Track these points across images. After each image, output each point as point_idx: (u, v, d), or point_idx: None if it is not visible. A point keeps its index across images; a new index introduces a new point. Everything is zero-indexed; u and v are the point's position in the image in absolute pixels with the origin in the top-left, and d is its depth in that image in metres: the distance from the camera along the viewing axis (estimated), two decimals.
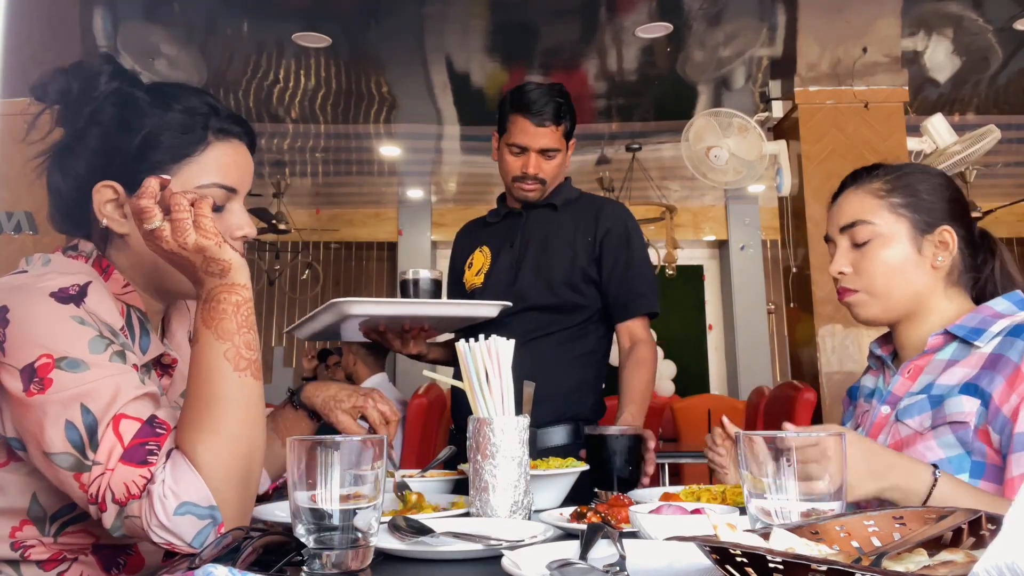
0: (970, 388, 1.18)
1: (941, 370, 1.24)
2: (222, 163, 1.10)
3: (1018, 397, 1.12)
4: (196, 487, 0.92)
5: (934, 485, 1.06)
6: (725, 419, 1.44)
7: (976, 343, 1.22)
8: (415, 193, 7.66)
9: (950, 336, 1.26)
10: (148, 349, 1.10)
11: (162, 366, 1.15)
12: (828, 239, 1.37)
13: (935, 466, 1.09)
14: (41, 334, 0.95)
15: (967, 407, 1.17)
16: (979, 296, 1.33)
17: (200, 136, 1.09)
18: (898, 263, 1.28)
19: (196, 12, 3.82)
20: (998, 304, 1.26)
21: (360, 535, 0.83)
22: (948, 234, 1.28)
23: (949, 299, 1.30)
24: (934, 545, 0.67)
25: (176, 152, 1.08)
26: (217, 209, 1.08)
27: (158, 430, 0.95)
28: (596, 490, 1.45)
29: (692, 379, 8.13)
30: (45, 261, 1.09)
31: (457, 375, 1.58)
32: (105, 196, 1.07)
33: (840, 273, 1.32)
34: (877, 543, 0.70)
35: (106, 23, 3.90)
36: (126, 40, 4.06)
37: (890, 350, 1.38)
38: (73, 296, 1.00)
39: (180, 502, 0.91)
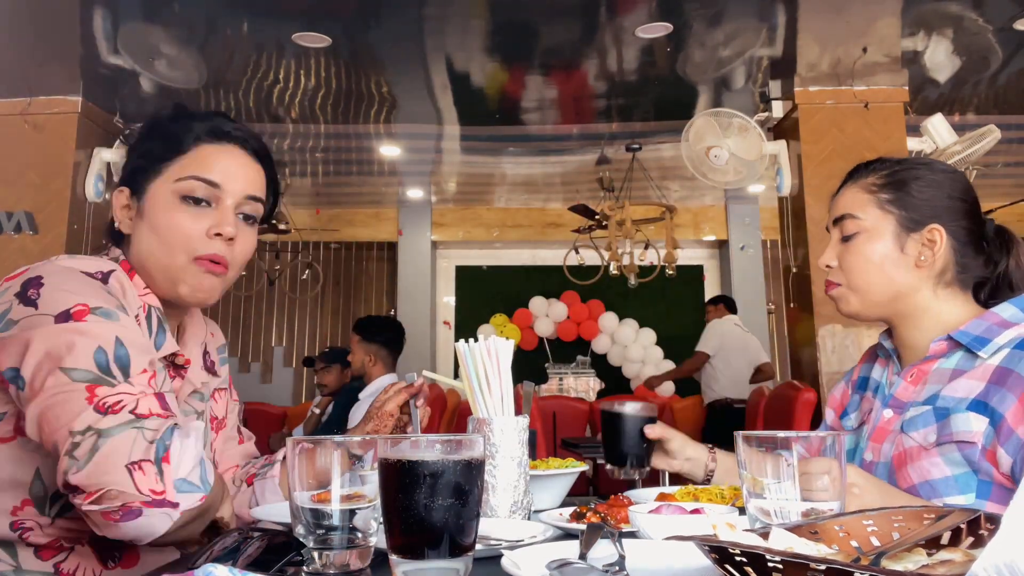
0: (979, 406, 1.13)
1: (946, 380, 1.19)
2: (206, 161, 1.16)
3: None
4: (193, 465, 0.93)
5: None
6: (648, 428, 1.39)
7: (980, 353, 1.17)
8: (415, 193, 7.67)
9: (954, 343, 1.21)
10: (163, 346, 1.13)
11: (175, 366, 1.18)
12: (828, 230, 1.37)
13: None
14: (75, 292, 1.01)
15: (975, 426, 1.12)
16: (992, 296, 1.28)
17: (190, 138, 1.17)
18: (878, 259, 1.26)
19: (196, 12, 3.82)
20: (1005, 311, 1.20)
21: (360, 535, 0.83)
22: (937, 232, 1.24)
23: (942, 300, 1.25)
24: (933, 544, 0.67)
25: (166, 153, 1.16)
26: (198, 202, 1.14)
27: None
28: (608, 466, 1.43)
29: (692, 379, 8.13)
30: (70, 255, 1.14)
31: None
32: (119, 201, 1.18)
33: (827, 266, 1.32)
34: (876, 543, 0.70)
35: (106, 23, 3.90)
36: (126, 40, 4.06)
37: (894, 344, 1.34)
38: (99, 276, 1.08)
39: (179, 477, 0.90)
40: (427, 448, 0.76)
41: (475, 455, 0.76)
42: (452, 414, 4.43)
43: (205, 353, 1.29)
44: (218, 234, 1.13)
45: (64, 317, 0.97)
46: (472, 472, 0.76)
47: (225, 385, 1.36)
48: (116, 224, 1.18)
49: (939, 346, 1.23)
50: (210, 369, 1.29)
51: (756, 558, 0.58)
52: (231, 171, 1.17)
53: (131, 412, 0.91)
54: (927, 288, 1.26)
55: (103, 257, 1.16)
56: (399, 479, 0.74)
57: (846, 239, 1.30)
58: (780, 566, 0.56)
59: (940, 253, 1.24)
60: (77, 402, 0.92)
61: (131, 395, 0.94)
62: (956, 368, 1.20)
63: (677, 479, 1.49)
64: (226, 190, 1.15)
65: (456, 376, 1.60)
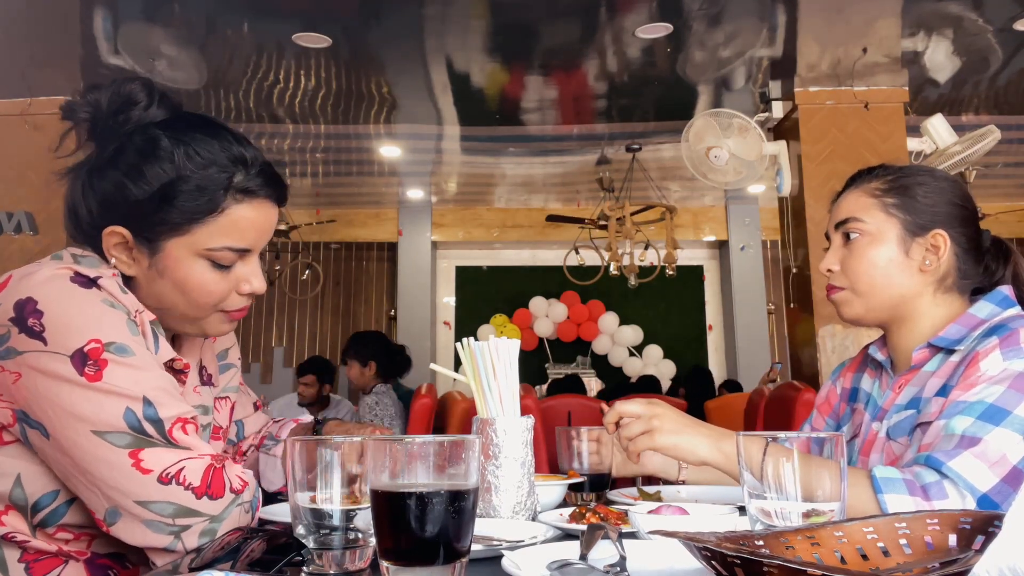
0: (943, 390, 1.17)
1: (926, 382, 1.22)
2: (239, 226, 1.07)
3: (963, 380, 1.12)
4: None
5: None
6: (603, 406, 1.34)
7: (957, 349, 1.20)
8: (415, 193, 7.66)
9: (935, 349, 1.24)
10: (159, 352, 1.09)
11: (174, 371, 1.13)
12: (827, 236, 1.37)
13: None
14: (80, 320, 0.97)
15: (934, 407, 1.16)
16: None
17: (220, 198, 1.05)
18: (882, 263, 1.27)
19: (196, 12, 3.82)
20: (982, 310, 1.23)
21: (360, 535, 0.83)
22: (941, 238, 1.26)
23: (939, 305, 1.27)
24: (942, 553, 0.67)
25: (191, 215, 1.05)
26: (224, 268, 1.08)
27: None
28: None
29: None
30: (49, 261, 1.08)
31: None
32: (113, 240, 1.07)
33: (828, 271, 1.32)
34: (881, 546, 0.70)
35: (106, 23, 3.90)
36: (126, 40, 4.06)
37: (887, 353, 1.36)
38: (92, 280, 1.01)
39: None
40: (416, 476, 0.73)
41: (468, 485, 0.73)
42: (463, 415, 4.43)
43: (201, 369, 1.24)
44: (248, 292, 1.12)
45: (80, 359, 0.94)
46: (463, 498, 0.73)
47: (223, 395, 1.31)
48: (111, 261, 1.07)
49: (922, 354, 1.25)
50: (207, 383, 1.25)
51: (749, 563, 0.57)
52: (262, 232, 1.11)
53: (232, 491, 0.99)
54: (928, 293, 1.27)
55: (75, 259, 1.08)
56: (388, 505, 0.73)
57: (849, 243, 1.30)
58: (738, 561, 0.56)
59: (943, 259, 1.26)
60: (122, 472, 0.94)
61: (191, 458, 0.97)
62: (937, 371, 1.22)
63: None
64: (254, 251, 1.11)
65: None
